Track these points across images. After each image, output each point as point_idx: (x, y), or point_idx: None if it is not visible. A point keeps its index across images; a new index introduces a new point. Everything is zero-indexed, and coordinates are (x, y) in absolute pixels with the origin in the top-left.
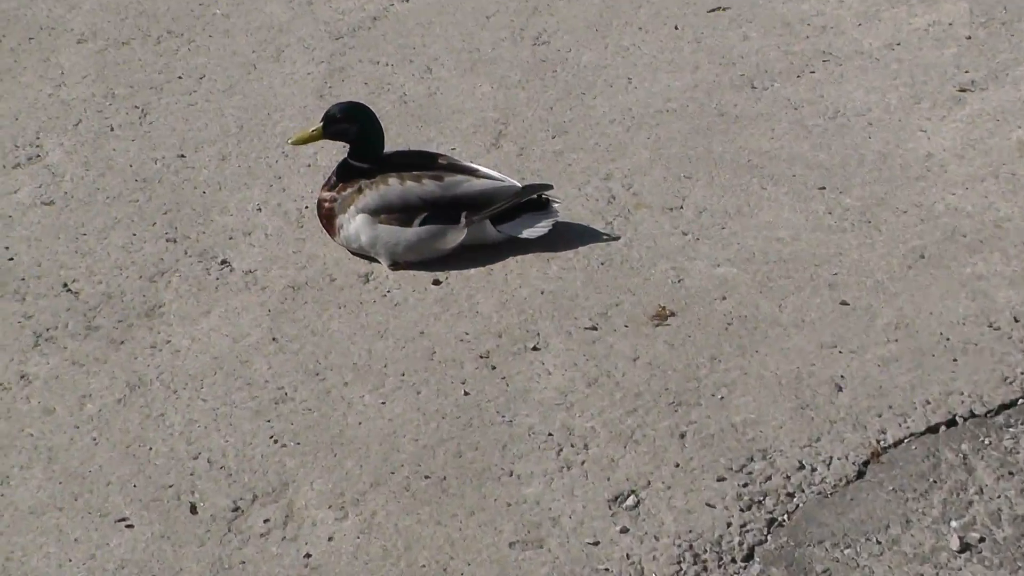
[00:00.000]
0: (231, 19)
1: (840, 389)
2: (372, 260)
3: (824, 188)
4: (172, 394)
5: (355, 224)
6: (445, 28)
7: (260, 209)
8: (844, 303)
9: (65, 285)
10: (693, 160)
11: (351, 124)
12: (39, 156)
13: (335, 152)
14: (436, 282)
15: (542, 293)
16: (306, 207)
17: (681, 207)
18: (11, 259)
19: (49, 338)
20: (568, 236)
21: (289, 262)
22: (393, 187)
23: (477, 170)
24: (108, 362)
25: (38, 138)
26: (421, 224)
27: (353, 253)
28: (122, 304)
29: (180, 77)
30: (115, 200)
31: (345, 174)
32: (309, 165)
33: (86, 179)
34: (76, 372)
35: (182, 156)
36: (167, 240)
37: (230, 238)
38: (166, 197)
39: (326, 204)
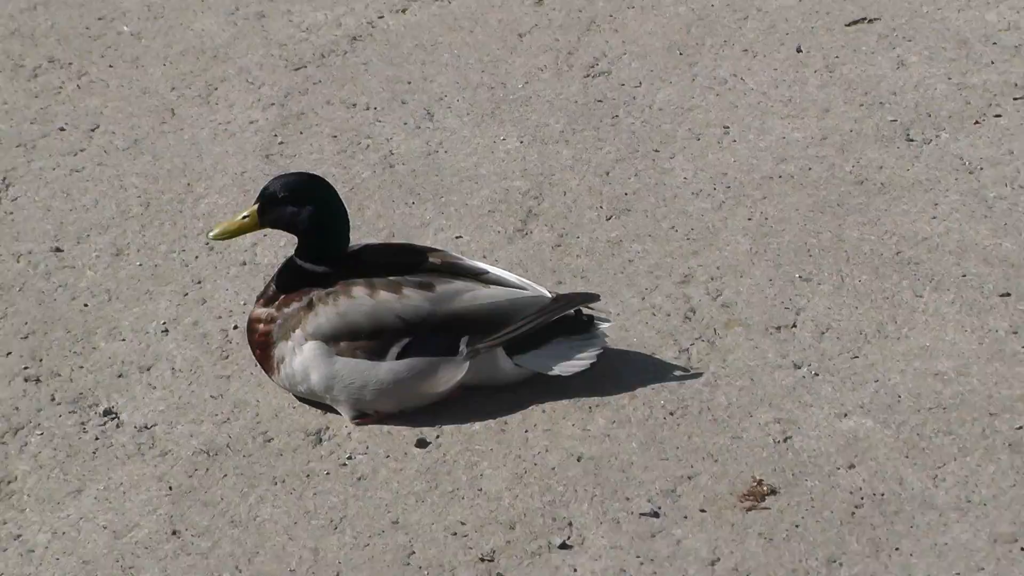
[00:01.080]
0: (143, 40)
1: None
2: (328, 410)
3: (1008, 295)
4: None
5: (303, 356)
6: (457, 51)
7: (166, 331)
8: None
9: None
10: (815, 253)
11: (300, 207)
12: None
13: (284, 243)
14: (421, 443)
15: (579, 460)
16: (235, 327)
17: (794, 326)
18: None
19: None
20: (622, 372)
21: (205, 413)
22: (360, 301)
23: (485, 272)
24: None
25: None
26: (400, 356)
27: (299, 399)
28: None
29: (62, 128)
30: None
31: (290, 281)
32: (244, 263)
33: None
34: None
35: (57, 250)
36: (26, 380)
37: (119, 376)
38: (29, 313)
39: (261, 326)
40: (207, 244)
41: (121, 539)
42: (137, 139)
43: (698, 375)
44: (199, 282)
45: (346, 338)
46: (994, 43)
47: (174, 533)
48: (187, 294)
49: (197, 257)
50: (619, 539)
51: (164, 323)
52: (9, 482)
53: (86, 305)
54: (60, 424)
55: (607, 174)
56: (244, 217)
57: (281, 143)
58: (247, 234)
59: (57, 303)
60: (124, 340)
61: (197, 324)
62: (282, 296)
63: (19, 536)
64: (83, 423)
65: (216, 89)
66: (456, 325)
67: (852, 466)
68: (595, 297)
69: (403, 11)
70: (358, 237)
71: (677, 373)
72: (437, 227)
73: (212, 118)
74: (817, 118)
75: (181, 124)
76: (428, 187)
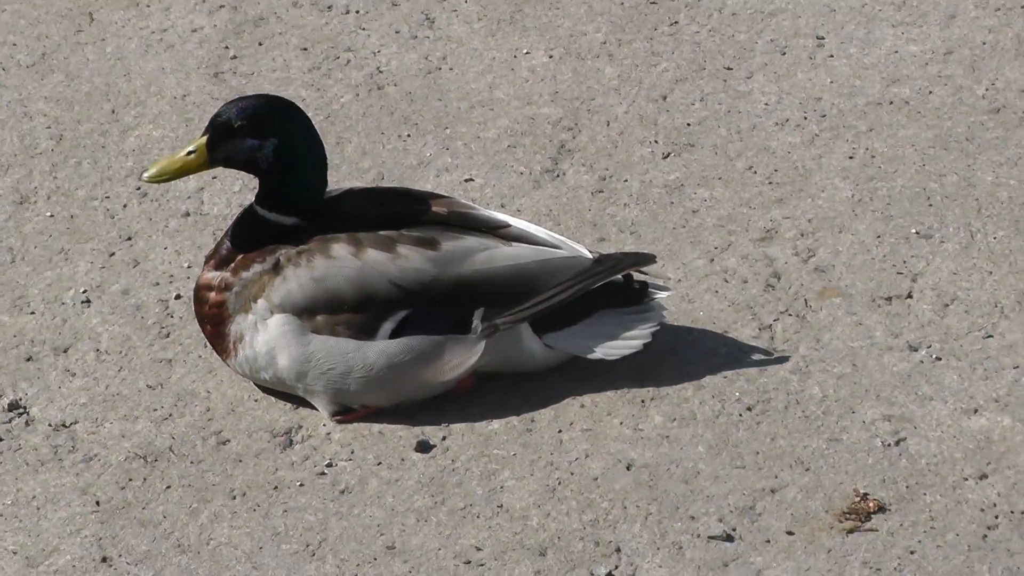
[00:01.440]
0: None
1: None
2: (301, 403)
3: None
4: None
5: (268, 334)
6: None
7: (88, 302)
8: None
9: None
10: (936, 202)
11: (262, 140)
12: None
13: (240, 187)
14: (423, 447)
15: (629, 468)
16: (177, 297)
17: (909, 296)
18: None
19: None
20: (684, 355)
21: (140, 408)
22: (342, 261)
23: (506, 225)
24: None
25: None
26: (395, 334)
27: (262, 389)
28: None
29: None
30: None
31: (250, 236)
32: (187, 214)
33: None
34: None
35: None
36: None
37: (28, 359)
38: None
39: (212, 295)
40: (139, 189)
41: (36, 567)
42: (45, 53)
43: (784, 359)
44: (129, 238)
45: (324, 310)
46: None
47: (104, 560)
48: (114, 254)
49: (126, 206)
50: (681, 569)
51: (84, 291)
52: None
53: None
54: None
55: (664, 98)
56: (189, 153)
57: (234, 58)
58: (192, 175)
59: None
60: (33, 313)
61: (128, 293)
62: (240, 256)
63: None
64: None
65: None
66: (468, 294)
67: (984, 476)
68: (650, 258)
69: None
70: (338, 180)
71: (756, 357)
72: (440, 167)
73: (143, 25)
74: (940, 26)
75: (103, 33)
76: (428, 115)
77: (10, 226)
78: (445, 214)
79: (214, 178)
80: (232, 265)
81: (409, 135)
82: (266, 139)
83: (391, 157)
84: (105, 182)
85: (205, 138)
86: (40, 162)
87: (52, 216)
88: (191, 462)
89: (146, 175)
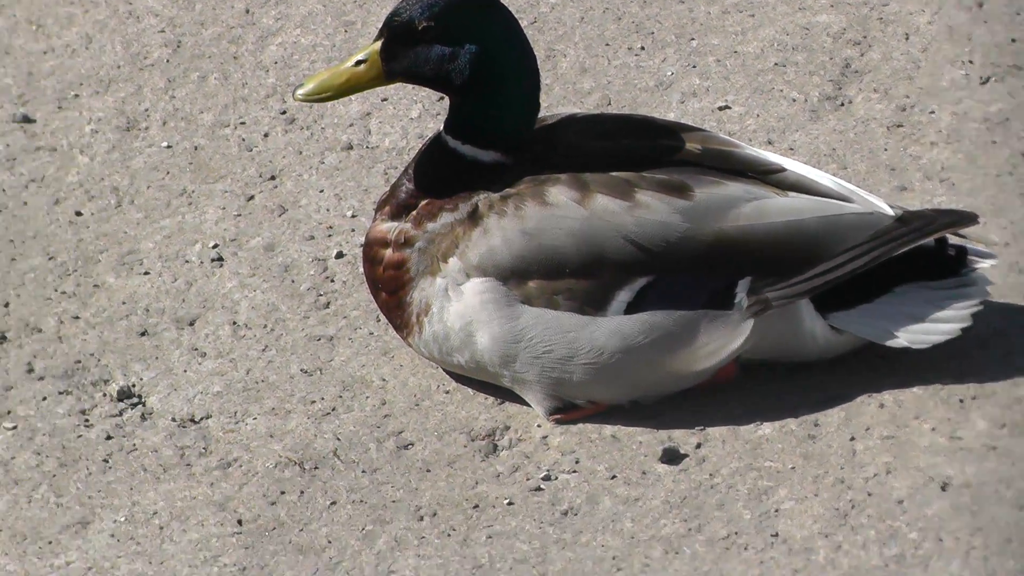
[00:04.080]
0: None
1: None
2: (507, 396)
3: None
4: None
5: (464, 304)
6: None
7: (220, 260)
8: None
9: None
10: None
11: (455, 46)
12: None
13: (418, 114)
14: (671, 456)
15: (944, 489)
16: (339, 255)
17: None
18: None
19: None
20: (1018, 340)
21: (293, 399)
22: (562, 211)
23: (779, 169)
24: None
25: None
26: (633, 308)
27: (454, 376)
28: None
29: None
30: None
31: (438, 176)
32: (350, 147)
33: None
34: None
35: (25, 120)
36: None
37: (142, 334)
38: None
39: (388, 253)
40: (284, 113)
41: None
42: None
43: None
44: (272, 177)
45: (539, 274)
46: None
47: None
48: (252, 198)
49: (267, 135)
50: None
51: (215, 246)
52: None
53: (79, 214)
54: (44, 411)
55: (980, 5)
56: (358, 63)
57: None
58: (361, 92)
59: (29, 210)
60: (147, 274)
61: (273, 249)
62: (425, 202)
63: None
64: (84, 411)
65: None
66: (730, 258)
67: None
68: (969, 217)
69: None
70: (549, 105)
71: None
72: (686, 90)
73: None
74: None
75: None
76: (668, 21)
77: (114, 159)
78: (698, 152)
79: (384, 100)
80: (414, 213)
81: (643, 48)
82: (461, 45)
83: (619, 76)
84: (239, 103)
85: (379, 43)
86: (151, 76)
87: (170, 147)
88: (363, 471)
89: (301, 92)
